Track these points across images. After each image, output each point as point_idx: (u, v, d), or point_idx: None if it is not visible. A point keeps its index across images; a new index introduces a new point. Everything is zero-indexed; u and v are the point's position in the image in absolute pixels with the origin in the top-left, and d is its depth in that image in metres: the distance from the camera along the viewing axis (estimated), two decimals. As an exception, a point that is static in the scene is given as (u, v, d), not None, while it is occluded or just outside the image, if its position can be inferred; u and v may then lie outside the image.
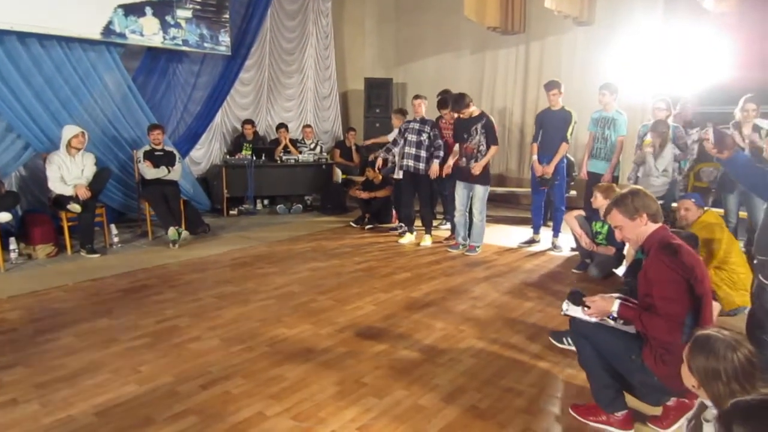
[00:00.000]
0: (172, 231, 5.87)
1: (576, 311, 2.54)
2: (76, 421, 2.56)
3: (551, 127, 5.70)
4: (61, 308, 4.02)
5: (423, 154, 5.96)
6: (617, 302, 2.40)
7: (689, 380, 1.68)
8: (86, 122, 6.13)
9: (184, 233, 5.97)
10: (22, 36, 5.69)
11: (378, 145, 7.55)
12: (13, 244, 5.21)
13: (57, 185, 5.44)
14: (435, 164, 5.92)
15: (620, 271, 4.82)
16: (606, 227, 4.79)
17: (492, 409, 2.69)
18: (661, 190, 4.98)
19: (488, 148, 5.51)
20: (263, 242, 6.19)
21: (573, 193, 7.34)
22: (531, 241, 6.15)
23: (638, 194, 2.44)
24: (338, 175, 8.37)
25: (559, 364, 3.21)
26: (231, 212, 7.69)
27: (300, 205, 8.17)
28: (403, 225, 6.42)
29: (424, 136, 5.93)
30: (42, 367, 3.09)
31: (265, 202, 8.24)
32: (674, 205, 4.79)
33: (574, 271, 5.12)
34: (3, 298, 4.21)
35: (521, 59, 8.59)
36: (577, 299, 2.53)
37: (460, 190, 5.75)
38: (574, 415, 2.64)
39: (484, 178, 5.58)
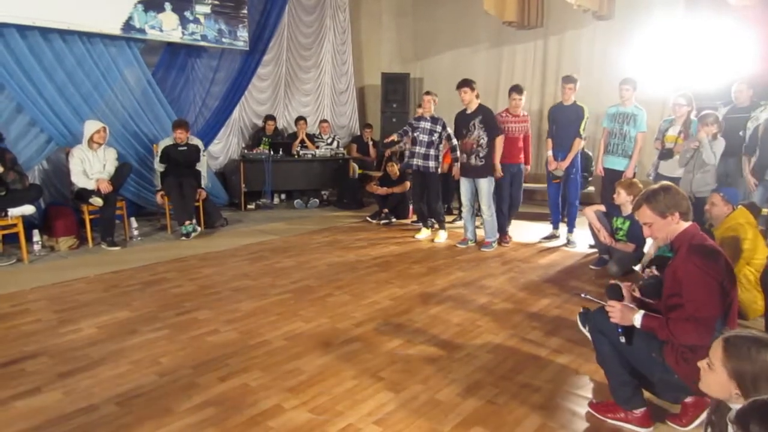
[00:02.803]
0: (187, 225, 5.99)
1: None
2: (98, 410, 2.60)
3: (564, 122, 5.65)
4: (82, 300, 4.09)
5: (432, 152, 5.93)
6: (640, 314, 2.32)
7: (725, 388, 1.53)
8: (107, 116, 6.22)
9: (193, 227, 6.05)
10: (45, 32, 5.78)
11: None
12: (36, 237, 5.31)
13: (79, 179, 5.53)
14: (456, 167, 5.89)
15: (639, 268, 4.77)
16: (627, 224, 4.74)
17: (508, 405, 2.69)
18: (712, 184, 4.85)
19: (491, 140, 5.47)
20: (280, 236, 6.23)
21: (591, 189, 7.28)
22: (551, 236, 6.11)
23: (669, 191, 2.37)
24: (355, 170, 8.38)
25: (577, 360, 3.19)
26: (248, 206, 7.76)
27: (317, 200, 8.21)
28: (417, 220, 6.44)
29: (435, 136, 5.89)
30: (65, 357, 3.15)
31: (282, 196, 8.29)
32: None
33: (592, 267, 5.09)
34: (26, 290, 4.29)
35: (539, 54, 8.53)
36: (617, 293, 2.50)
37: (464, 185, 5.75)
38: (592, 412, 2.62)
39: (486, 170, 5.55)
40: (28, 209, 5.00)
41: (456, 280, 4.70)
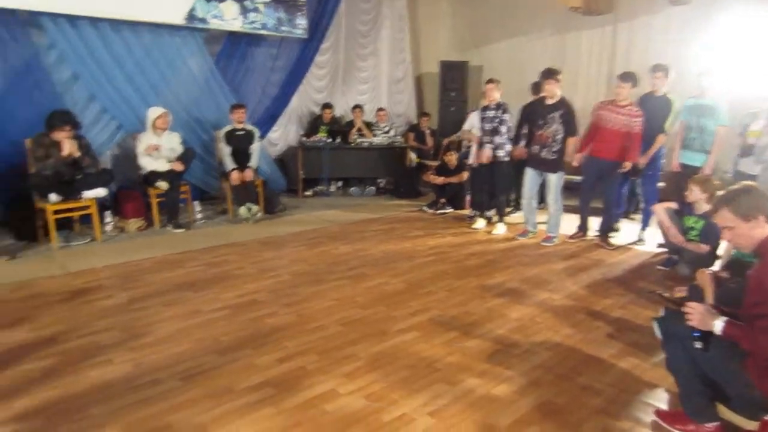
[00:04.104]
0: (243, 209, 6.16)
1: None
2: (163, 384, 2.72)
3: (650, 113, 5.27)
4: (150, 279, 4.27)
5: (498, 140, 5.82)
6: (722, 320, 2.15)
7: None
8: (172, 104, 6.41)
9: (255, 209, 6.22)
10: (115, 23, 6.03)
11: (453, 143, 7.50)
12: (108, 218, 5.59)
13: (146, 163, 5.76)
14: (487, 150, 5.80)
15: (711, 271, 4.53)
16: (700, 223, 4.47)
17: (568, 407, 2.61)
18: None
19: (566, 137, 5.31)
20: (337, 223, 6.30)
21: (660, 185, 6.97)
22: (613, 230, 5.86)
23: (751, 192, 2.19)
24: (412, 159, 8.35)
25: (642, 364, 3.05)
26: (306, 193, 7.88)
27: (373, 188, 8.24)
28: (475, 211, 6.36)
29: (497, 122, 5.79)
30: (134, 332, 3.30)
31: (339, 184, 8.36)
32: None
33: (660, 268, 4.85)
34: (99, 267, 4.52)
35: (607, 42, 8.18)
36: (698, 295, 2.37)
37: (529, 176, 5.61)
38: (659, 421, 2.49)
39: (558, 165, 5.39)
40: (101, 192, 5.25)
41: (514, 273, 4.62)
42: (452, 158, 6.98)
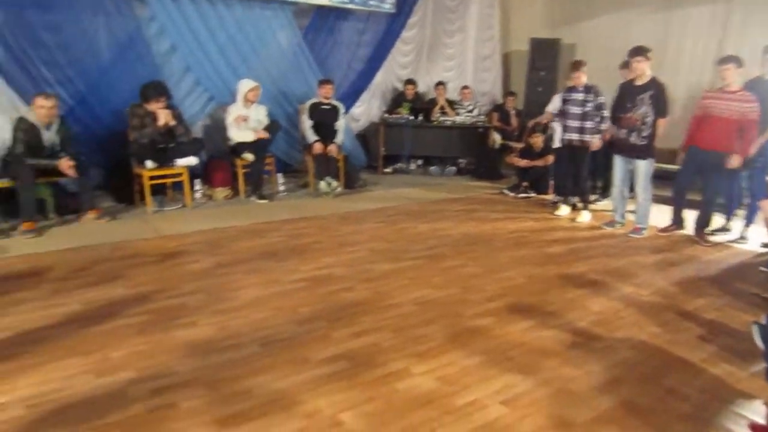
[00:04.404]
0: (323, 183, 6.27)
1: None
2: (244, 348, 2.83)
3: (761, 99, 4.79)
4: (235, 246, 4.44)
5: (588, 125, 5.55)
6: None
7: None
8: (260, 77, 6.57)
9: (335, 184, 6.32)
10: (210, -3, 6.24)
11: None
12: (198, 186, 5.87)
13: (235, 133, 5.96)
14: (596, 138, 5.52)
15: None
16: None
17: (652, 409, 2.47)
18: None
19: (656, 119, 4.96)
20: (416, 202, 6.28)
21: None
22: (723, 230, 5.42)
23: None
24: (495, 139, 8.15)
25: (737, 372, 2.83)
26: (386, 170, 7.90)
27: (453, 168, 8.14)
28: (559, 197, 6.13)
29: (590, 106, 5.50)
30: (219, 297, 3.45)
31: (419, 162, 8.31)
32: None
33: (763, 269, 4.46)
34: (189, 232, 4.76)
35: (718, 20, 7.52)
36: None
37: (618, 164, 5.31)
38: (752, 434, 2.30)
39: (647, 151, 5.05)
40: (192, 160, 5.51)
41: (598, 264, 4.42)
42: (538, 140, 6.75)
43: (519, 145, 7.49)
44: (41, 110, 4.66)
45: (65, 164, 4.67)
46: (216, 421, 2.23)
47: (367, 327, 3.13)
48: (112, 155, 5.76)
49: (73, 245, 4.31)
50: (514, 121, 8.56)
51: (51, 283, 3.58)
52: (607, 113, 5.45)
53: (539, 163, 6.72)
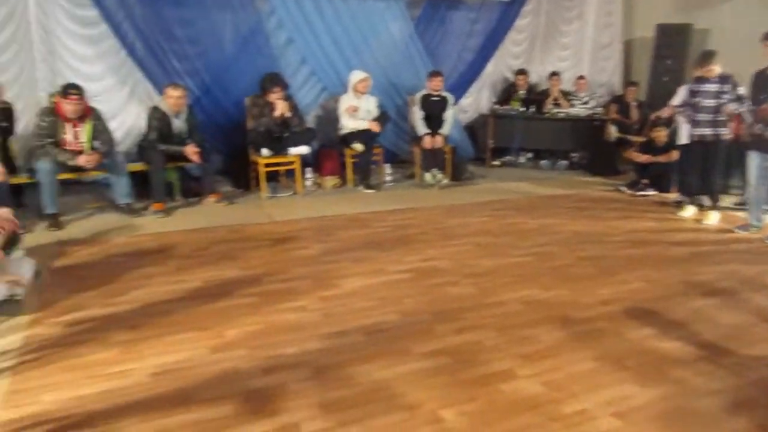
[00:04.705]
0: (428, 175, 6.26)
1: None
2: (347, 336, 2.88)
3: None
4: (342, 234, 4.55)
5: (722, 118, 5.06)
6: None
7: None
8: (371, 68, 6.64)
9: (441, 176, 6.28)
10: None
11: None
12: (308, 174, 6.06)
13: (347, 123, 6.09)
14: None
15: None
16: None
17: (792, 436, 2.22)
18: None
19: None
20: (525, 196, 6.08)
21: None
22: None
23: None
24: (612, 133, 7.67)
25: None
26: (494, 163, 7.71)
27: (565, 162, 7.78)
28: (684, 196, 5.66)
29: (726, 98, 5.00)
30: (326, 283, 3.54)
31: (529, 155, 8.03)
32: None
33: None
34: (299, 219, 4.94)
35: None
36: None
37: (754, 161, 4.78)
38: None
39: None
40: (304, 149, 5.70)
41: (729, 272, 4.01)
42: (661, 135, 6.26)
43: (639, 139, 6.99)
44: (171, 100, 5.03)
45: (191, 150, 5.02)
46: (320, 404, 2.29)
47: (470, 323, 3.07)
48: (231, 143, 6.12)
49: (196, 226, 4.63)
50: (634, 114, 8.00)
51: (176, 260, 3.87)
52: (748, 104, 4.93)
53: (662, 158, 6.23)
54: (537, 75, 8.49)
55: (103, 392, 2.33)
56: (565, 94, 7.89)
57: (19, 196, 4.81)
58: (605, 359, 2.73)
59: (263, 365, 2.57)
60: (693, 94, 5.20)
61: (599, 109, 7.93)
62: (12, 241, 3.30)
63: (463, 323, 3.07)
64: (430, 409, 2.28)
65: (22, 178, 4.78)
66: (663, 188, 6.32)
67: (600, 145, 7.61)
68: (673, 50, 8.14)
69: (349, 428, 2.15)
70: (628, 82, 8.48)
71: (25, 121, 5.29)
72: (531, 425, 2.21)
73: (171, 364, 2.56)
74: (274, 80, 5.58)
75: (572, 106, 7.75)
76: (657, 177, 6.32)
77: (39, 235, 4.31)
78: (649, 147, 6.39)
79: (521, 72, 7.94)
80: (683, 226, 5.21)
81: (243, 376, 2.48)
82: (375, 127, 6.04)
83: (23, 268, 3.19)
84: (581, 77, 8.15)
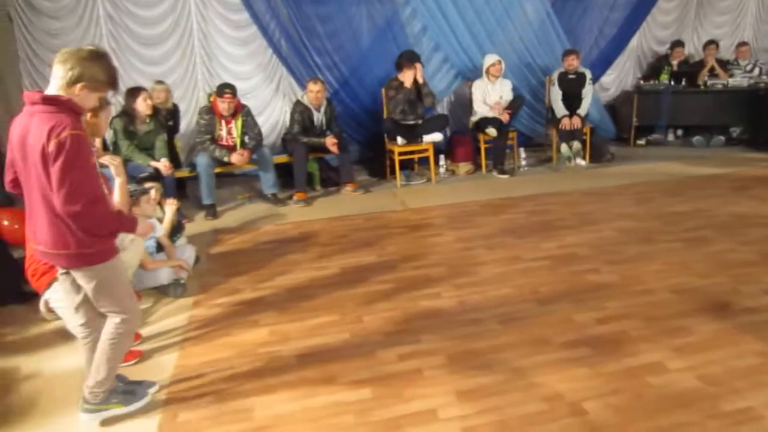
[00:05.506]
0: (564, 146, 6.07)
1: None
2: (483, 323, 2.88)
3: None
4: (476, 221, 4.53)
5: None
6: None
7: None
8: (506, 51, 6.49)
9: (576, 145, 6.06)
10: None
11: None
12: (441, 161, 6.10)
13: (480, 108, 6.03)
14: None
15: None
16: None
17: None
18: None
19: None
20: (674, 177, 5.61)
21: None
22: None
23: None
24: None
25: None
26: (638, 142, 7.19)
27: (722, 138, 7.03)
28: None
29: None
30: (460, 270, 3.57)
31: (679, 132, 7.36)
32: None
33: None
34: (432, 206, 5.00)
35: None
36: None
37: None
38: None
39: None
40: (437, 137, 5.73)
41: None
42: None
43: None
44: (312, 94, 5.32)
45: (330, 142, 5.29)
46: (456, 391, 2.32)
47: (613, 313, 2.93)
48: (367, 133, 6.34)
49: (334, 215, 4.87)
50: (811, 79, 7.01)
51: (317, 247, 4.12)
52: None
53: None
54: (691, 46, 7.72)
55: (255, 370, 2.56)
56: (723, 64, 7.11)
57: (182, 189, 5.38)
58: (773, 355, 2.47)
59: (400, 351, 2.65)
60: None
61: (765, 77, 7.04)
62: (177, 229, 3.74)
63: (605, 313, 2.93)
64: (570, 401, 2.23)
65: (184, 172, 5.33)
66: None
67: (765, 117, 6.77)
68: None
69: (487, 417, 2.16)
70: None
71: (187, 120, 5.91)
72: (685, 423, 2.08)
73: (314, 347, 2.73)
74: (407, 56, 5.64)
75: (732, 76, 6.97)
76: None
77: (198, 224, 4.80)
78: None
79: (677, 44, 7.26)
80: None
81: (381, 361, 2.58)
82: (505, 117, 5.90)
83: (186, 254, 3.59)
84: (743, 44, 7.30)
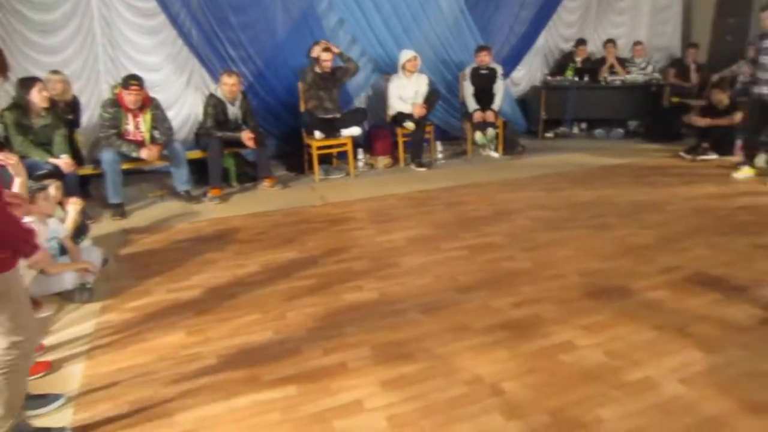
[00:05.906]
0: (478, 134, 6.29)
1: None
2: (406, 314, 2.92)
3: None
4: (395, 214, 4.59)
5: None
6: None
7: None
8: (421, 46, 6.61)
9: (491, 132, 6.31)
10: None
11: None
12: (360, 154, 6.14)
13: (396, 103, 6.10)
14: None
15: None
16: None
17: None
18: None
19: None
20: (580, 167, 5.95)
21: None
22: None
23: None
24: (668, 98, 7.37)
25: None
26: (547, 135, 7.56)
27: (621, 131, 7.55)
28: (747, 159, 5.42)
29: None
30: (381, 262, 3.60)
31: (583, 125, 7.83)
32: None
33: None
34: (352, 200, 5.01)
35: None
36: None
37: None
38: None
39: None
40: (356, 130, 5.75)
41: (799, 237, 3.85)
42: (723, 97, 5.98)
43: (699, 103, 6.70)
44: (226, 87, 5.17)
45: (247, 136, 5.15)
46: (381, 381, 2.35)
47: (528, 297, 3.07)
48: (284, 127, 6.25)
49: (252, 211, 4.77)
50: (693, 77, 7.66)
51: (235, 244, 4.01)
52: None
53: (723, 122, 5.96)
54: (592, 44, 8.20)
55: (174, 374, 2.45)
56: (622, 62, 7.62)
57: (85, 187, 5.05)
58: (667, 327, 2.69)
59: (324, 346, 2.64)
60: (757, 51, 4.99)
61: (657, 75, 7.61)
62: (81, 230, 3.51)
63: (520, 297, 3.07)
64: (490, 383, 2.31)
65: (88, 169, 5.00)
66: (724, 152, 6.06)
67: (657, 111, 7.33)
68: (738, 7, 7.72)
69: (412, 404, 2.20)
70: (689, 44, 8.10)
71: (89, 114, 5.55)
72: (593, 394, 2.21)
73: (236, 347, 2.66)
74: (316, 40, 5.64)
75: (629, 73, 7.48)
76: (718, 140, 6.06)
77: (105, 224, 4.53)
78: (709, 110, 6.12)
79: (581, 42, 7.69)
80: (748, 189, 5.00)
81: (306, 356, 2.56)
82: (420, 111, 6.00)
83: (92, 256, 3.37)
84: (638, 43, 7.85)
